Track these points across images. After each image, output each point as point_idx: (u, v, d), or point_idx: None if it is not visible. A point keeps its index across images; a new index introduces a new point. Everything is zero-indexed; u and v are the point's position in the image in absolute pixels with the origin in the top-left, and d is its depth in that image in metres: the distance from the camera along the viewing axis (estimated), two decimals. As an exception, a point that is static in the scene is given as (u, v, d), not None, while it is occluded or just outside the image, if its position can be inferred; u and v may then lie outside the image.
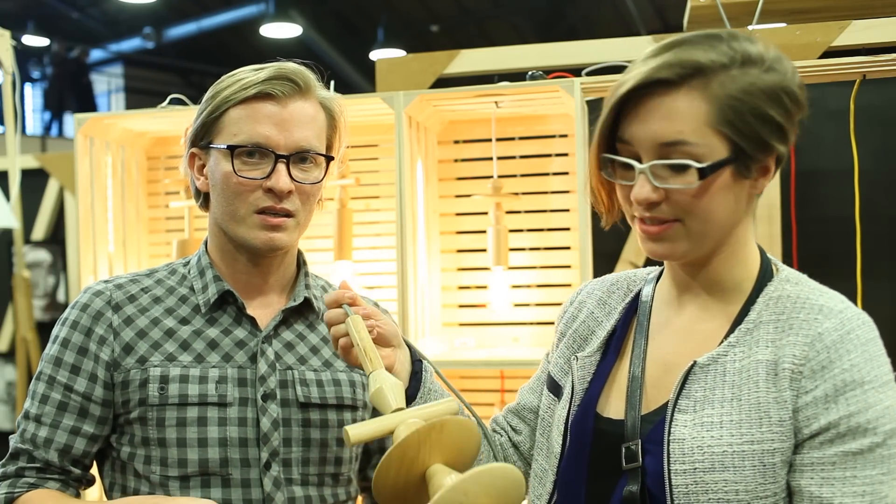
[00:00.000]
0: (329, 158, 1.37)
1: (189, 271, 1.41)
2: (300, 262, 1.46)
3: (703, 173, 1.02)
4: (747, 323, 1.09)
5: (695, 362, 1.09)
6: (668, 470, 1.05)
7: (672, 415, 1.07)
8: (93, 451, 1.36)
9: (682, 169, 1.03)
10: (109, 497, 1.38)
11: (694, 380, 1.08)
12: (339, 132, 1.41)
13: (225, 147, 1.31)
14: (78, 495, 1.38)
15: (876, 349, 1.05)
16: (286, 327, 1.39)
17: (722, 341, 1.10)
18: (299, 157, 1.32)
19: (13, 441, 1.36)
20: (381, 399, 1.11)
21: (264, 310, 1.40)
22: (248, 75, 1.32)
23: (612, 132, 1.08)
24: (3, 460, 1.36)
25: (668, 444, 1.06)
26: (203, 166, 1.37)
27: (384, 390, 1.11)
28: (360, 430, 1.11)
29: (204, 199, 1.40)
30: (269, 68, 1.33)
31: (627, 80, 1.05)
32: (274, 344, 1.37)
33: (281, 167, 1.30)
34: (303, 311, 1.42)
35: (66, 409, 1.33)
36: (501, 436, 1.34)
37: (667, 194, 1.04)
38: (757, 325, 1.09)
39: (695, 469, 1.04)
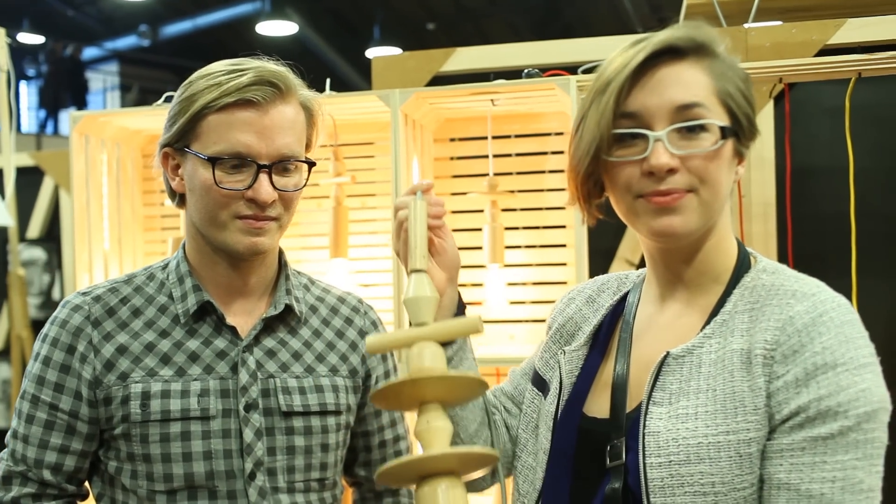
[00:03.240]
0: (311, 164, 1.34)
1: (168, 277, 1.38)
2: (282, 263, 1.43)
3: (724, 132, 1.06)
4: (723, 314, 1.08)
5: (668, 353, 1.08)
6: (644, 464, 1.03)
7: (647, 408, 1.06)
8: (85, 467, 1.35)
9: (698, 133, 1.05)
10: None
11: (668, 372, 1.07)
12: (317, 129, 1.38)
13: (205, 157, 1.27)
14: None
15: (852, 331, 1.01)
16: (267, 334, 1.37)
17: (698, 334, 1.09)
18: (281, 165, 1.29)
19: (4, 463, 1.34)
20: (410, 308, 1.09)
21: (245, 316, 1.37)
22: (226, 79, 1.27)
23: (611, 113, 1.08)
24: None
25: (644, 438, 1.04)
26: (178, 166, 1.34)
27: (417, 301, 1.08)
28: (378, 341, 1.10)
29: (180, 198, 1.37)
30: (248, 73, 1.27)
31: (639, 51, 1.07)
32: (255, 352, 1.35)
33: (263, 177, 1.27)
34: (284, 317, 1.39)
35: (52, 427, 1.32)
36: (495, 414, 1.33)
37: (682, 161, 1.05)
38: (732, 316, 1.07)
39: (670, 462, 1.02)
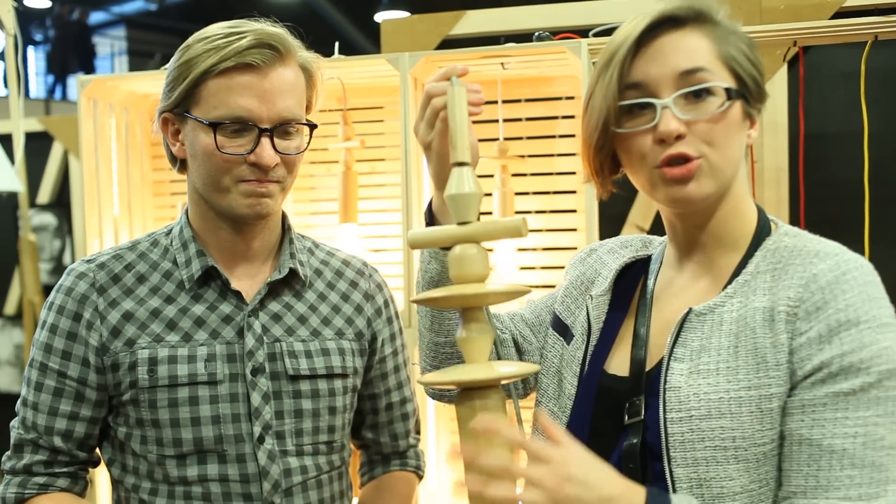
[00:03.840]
0: (312, 127, 1.34)
1: (171, 243, 1.38)
2: (285, 226, 1.43)
3: (730, 94, 1.06)
4: (745, 275, 1.09)
5: (690, 310, 1.09)
6: (665, 419, 1.05)
7: (668, 363, 1.07)
8: (95, 433, 1.36)
9: (704, 97, 1.06)
10: (109, 472, 1.38)
11: (690, 329, 1.08)
12: (317, 91, 1.37)
13: (206, 122, 1.26)
14: (86, 484, 1.38)
15: (875, 291, 1.02)
16: (272, 298, 1.37)
17: (720, 293, 1.10)
18: (283, 128, 1.28)
19: (15, 431, 1.35)
20: (453, 204, 1.05)
21: (250, 280, 1.37)
22: (225, 43, 1.26)
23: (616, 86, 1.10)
24: (9, 453, 1.35)
25: (664, 393, 1.06)
26: (178, 132, 1.33)
27: (461, 198, 1.04)
28: (420, 237, 1.08)
29: (181, 163, 1.36)
30: (247, 36, 1.26)
31: (638, 23, 1.08)
32: (261, 317, 1.35)
33: (265, 141, 1.26)
34: (289, 281, 1.39)
35: (61, 394, 1.32)
36: (504, 333, 1.33)
37: (690, 127, 1.06)
38: (754, 276, 1.09)
39: (690, 416, 1.03)
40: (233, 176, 1.28)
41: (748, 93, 1.10)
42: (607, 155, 1.15)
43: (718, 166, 1.07)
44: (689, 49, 1.08)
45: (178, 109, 1.31)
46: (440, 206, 1.22)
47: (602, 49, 1.13)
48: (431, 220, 1.23)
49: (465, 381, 1.01)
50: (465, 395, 1.03)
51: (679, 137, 1.06)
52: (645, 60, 1.08)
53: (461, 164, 1.06)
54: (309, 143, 1.34)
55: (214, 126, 1.26)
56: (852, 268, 1.03)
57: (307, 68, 1.34)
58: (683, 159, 1.06)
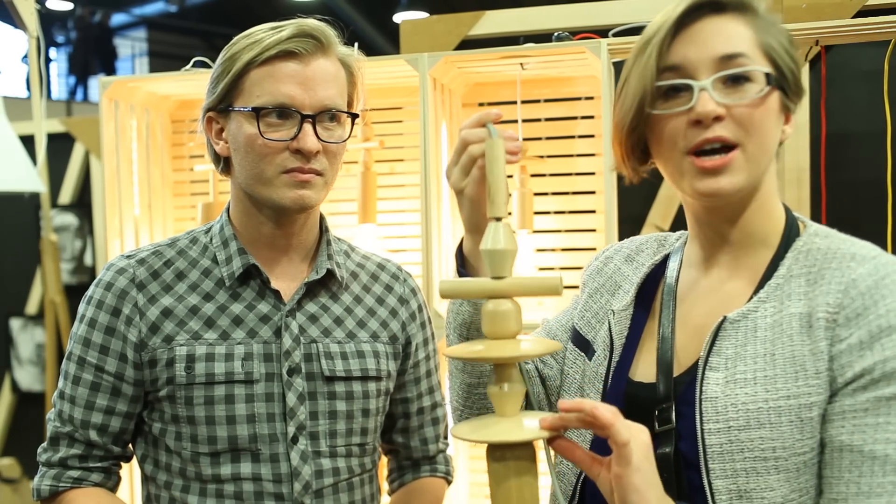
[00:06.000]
0: (354, 116, 1.35)
1: (211, 240, 1.39)
2: (322, 228, 1.44)
3: (769, 79, 1.05)
4: (777, 278, 1.07)
5: (725, 318, 1.06)
6: (702, 430, 1.02)
7: (703, 373, 1.05)
8: (130, 428, 1.36)
9: (742, 83, 1.05)
10: (141, 467, 1.39)
11: (724, 336, 1.06)
12: (359, 89, 1.39)
13: (249, 109, 1.28)
14: (119, 480, 1.39)
15: None
16: (309, 299, 1.38)
17: (751, 297, 1.08)
18: (325, 116, 1.30)
19: (51, 423, 1.36)
20: (488, 259, 1.03)
21: (288, 280, 1.38)
22: (267, 35, 1.29)
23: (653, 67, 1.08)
24: (45, 445, 1.36)
25: (701, 404, 1.03)
26: (222, 130, 1.34)
27: (496, 254, 1.02)
28: (452, 287, 1.06)
29: (224, 163, 1.37)
30: (289, 26, 1.29)
31: (678, 6, 1.07)
32: (298, 317, 1.36)
33: (307, 127, 1.28)
34: (326, 282, 1.40)
35: (98, 389, 1.33)
36: (528, 364, 1.31)
37: (728, 110, 1.04)
38: (787, 280, 1.06)
39: (729, 427, 1.01)
40: (276, 166, 1.29)
41: (786, 84, 1.08)
42: (639, 139, 1.12)
43: (754, 157, 1.05)
44: (730, 34, 1.06)
45: (223, 105, 1.32)
46: (472, 250, 1.18)
47: (632, 42, 1.12)
48: (462, 261, 1.20)
49: (498, 442, 1.00)
50: (496, 449, 1.01)
51: (717, 119, 1.04)
52: (684, 43, 1.07)
53: (499, 218, 1.04)
54: (350, 134, 1.35)
55: (257, 112, 1.27)
56: (891, 271, 1.01)
57: (348, 64, 1.36)
58: (718, 150, 1.04)
